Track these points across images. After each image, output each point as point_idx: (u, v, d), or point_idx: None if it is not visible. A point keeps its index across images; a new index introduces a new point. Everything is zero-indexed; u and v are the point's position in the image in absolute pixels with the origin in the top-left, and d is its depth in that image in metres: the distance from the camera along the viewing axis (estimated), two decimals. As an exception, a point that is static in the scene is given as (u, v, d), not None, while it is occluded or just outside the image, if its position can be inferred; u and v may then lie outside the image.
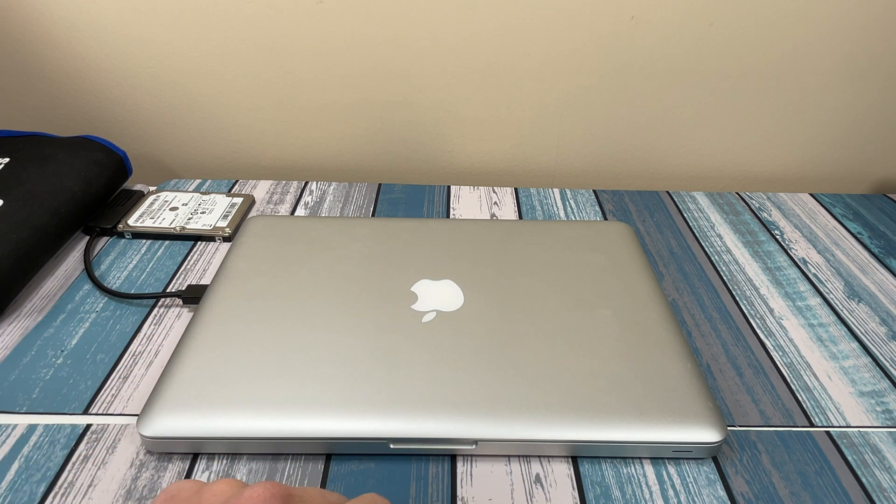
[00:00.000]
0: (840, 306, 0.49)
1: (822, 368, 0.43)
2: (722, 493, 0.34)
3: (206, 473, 0.34)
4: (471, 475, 0.35)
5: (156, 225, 0.55)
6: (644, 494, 0.34)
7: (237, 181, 0.66)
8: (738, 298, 0.49)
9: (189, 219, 0.56)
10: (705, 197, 0.65)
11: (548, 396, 0.37)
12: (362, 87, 0.67)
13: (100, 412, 0.38)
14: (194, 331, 0.41)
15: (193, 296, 0.46)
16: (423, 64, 0.66)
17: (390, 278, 0.46)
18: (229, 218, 0.57)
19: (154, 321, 0.45)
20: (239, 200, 0.59)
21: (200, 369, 0.38)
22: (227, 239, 0.55)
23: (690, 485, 0.34)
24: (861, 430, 0.38)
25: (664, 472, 0.35)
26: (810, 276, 0.52)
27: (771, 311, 0.48)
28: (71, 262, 0.52)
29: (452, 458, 0.36)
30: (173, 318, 0.46)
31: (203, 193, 0.60)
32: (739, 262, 0.54)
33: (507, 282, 0.47)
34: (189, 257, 0.53)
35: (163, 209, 0.57)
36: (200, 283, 0.48)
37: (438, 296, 0.45)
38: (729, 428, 0.38)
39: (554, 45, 0.64)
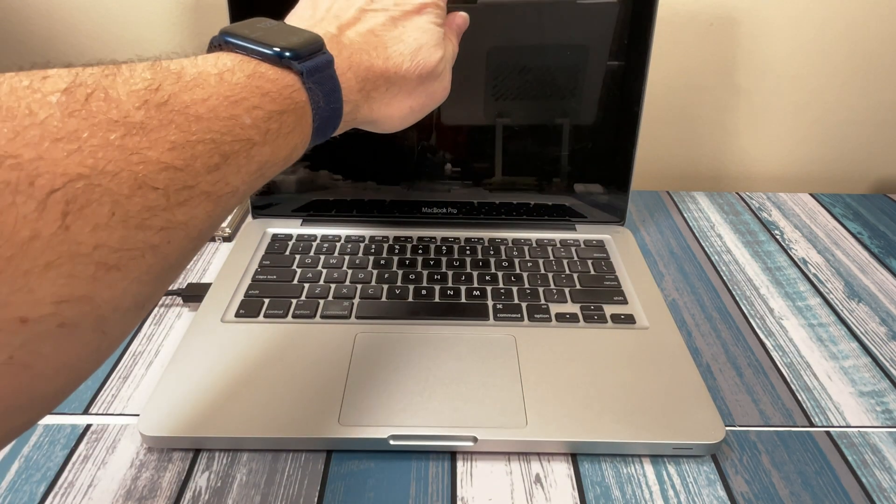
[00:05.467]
0: (840, 306, 0.49)
1: (822, 368, 0.43)
2: (722, 493, 0.34)
3: (207, 472, 0.34)
4: (471, 475, 0.35)
5: (156, 225, 0.55)
6: (644, 494, 0.34)
7: (237, 181, 0.65)
8: (738, 298, 0.49)
9: (189, 218, 0.56)
10: (705, 197, 0.65)
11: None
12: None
13: (100, 412, 0.38)
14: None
15: (193, 294, 0.46)
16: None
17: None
18: (229, 218, 0.57)
19: (154, 321, 0.45)
20: (239, 200, 0.59)
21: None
22: (227, 239, 0.55)
23: (690, 485, 0.34)
24: (861, 430, 0.38)
25: (664, 472, 0.35)
26: (810, 276, 0.52)
27: (771, 311, 0.48)
28: (71, 262, 0.52)
29: (452, 457, 0.36)
30: (173, 318, 0.46)
31: (203, 193, 0.60)
32: (739, 262, 0.54)
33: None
34: (189, 257, 0.53)
35: (163, 209, 0.57)
36: (201, 282, 0.48)
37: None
38: (729, 428, 0.38)
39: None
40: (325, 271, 0.47)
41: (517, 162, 0.52)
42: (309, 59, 0.27)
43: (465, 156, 0.52)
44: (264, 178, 0.26)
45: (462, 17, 0.38)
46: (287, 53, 0.26)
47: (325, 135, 0.29)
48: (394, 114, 0.33)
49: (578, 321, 0.43)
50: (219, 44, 0.26)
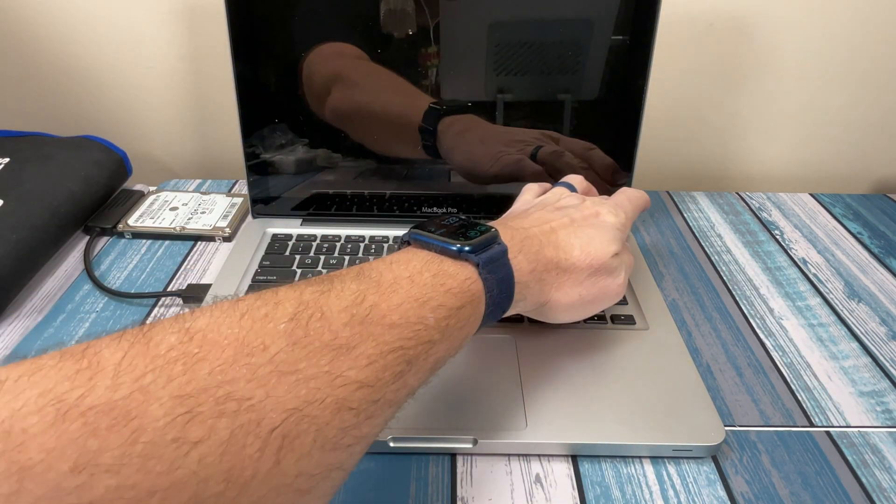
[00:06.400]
0: (840, 306, 0.49)
1: (822, 368, 0.43)
2: (722, 493, 0.34)
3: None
4: (471, 475, 0.35)
5: (156, 225, 0.55)
6: (644, 494, 0.34)
7: (237, 181, 0.66)
8: (738, 298, 0.49)
9: (189, 219, 0.56)
10: (705, 197, 0.65)
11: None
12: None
13: (100, 412, 0.38)
14: None
15: (193, 295, 0.46)
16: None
17: None
18: (229, 218, 0.57)
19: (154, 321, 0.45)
20: (239, 200, 0.59)
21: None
22: (227, 239, 0.55)
23: (690, 485, 0.34)
24: (861, 430, 0.38)
25: (664, 472, 0.35)
26: (810, 276, 0.52)
27: (771, 311, 0.48)
28: (71, 262, 0.52)
29: (452, 457, 0.36)
30: (173, 318, 0.46)
31: (203, 193, 0.60)
32: (739, 262, 0.54)
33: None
34: (189, 257, 0.53)
35: (163, 209, 0.57)
36: (201, 283, 0.48)
37: None
38: (729, 428, 0.38)
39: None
40: (325, 272, 0.47)
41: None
42: (485, 251, 0.30)
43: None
44: (435, 373, 0.27)
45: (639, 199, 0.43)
46: (466, 248, 0.29)
47: (495, 318, 0.32)
48: (562, 299, 0.36)
49: (578, 322, 0.43)
50: (408, 240, 0.31)
